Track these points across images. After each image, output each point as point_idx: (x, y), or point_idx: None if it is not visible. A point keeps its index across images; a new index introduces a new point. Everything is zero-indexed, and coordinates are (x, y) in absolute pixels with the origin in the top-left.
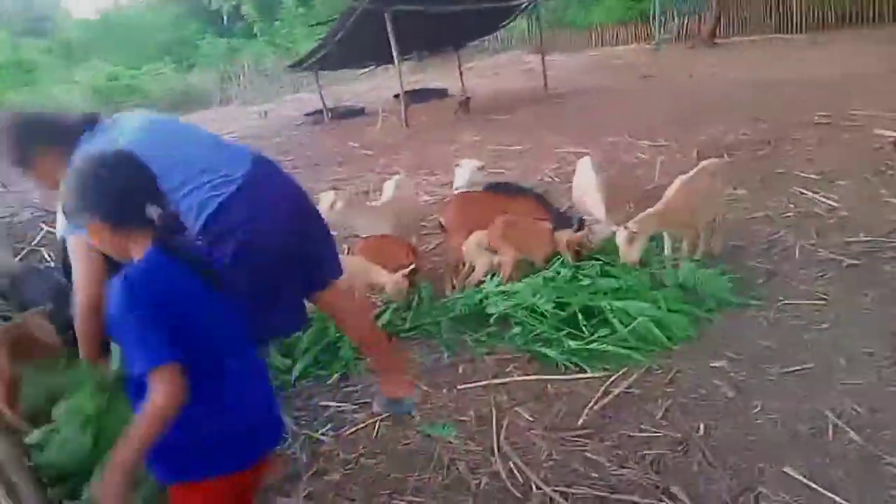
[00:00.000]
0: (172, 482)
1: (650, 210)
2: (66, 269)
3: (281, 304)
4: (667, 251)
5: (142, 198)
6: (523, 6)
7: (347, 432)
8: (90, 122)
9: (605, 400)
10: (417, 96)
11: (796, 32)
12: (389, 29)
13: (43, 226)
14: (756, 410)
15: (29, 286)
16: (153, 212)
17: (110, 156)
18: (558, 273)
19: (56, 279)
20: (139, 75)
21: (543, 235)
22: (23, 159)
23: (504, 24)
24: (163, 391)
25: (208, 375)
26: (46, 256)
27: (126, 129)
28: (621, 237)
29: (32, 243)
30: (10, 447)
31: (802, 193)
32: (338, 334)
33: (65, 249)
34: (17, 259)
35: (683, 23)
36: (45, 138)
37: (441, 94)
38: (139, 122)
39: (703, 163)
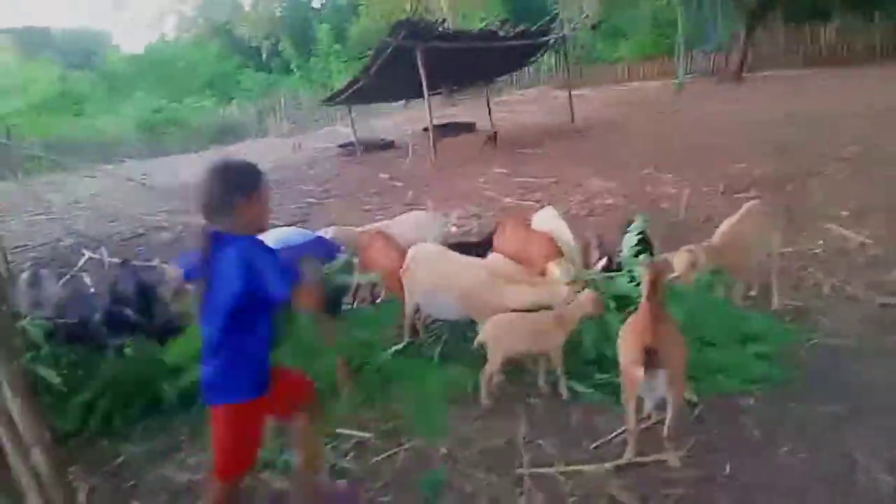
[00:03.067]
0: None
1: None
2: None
3: None
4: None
5: None
6: (550, 42)
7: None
8: None
9: None
10: (446, 130)
11: (824, 66)
12: (420, 65)
13: (85, 252)
14: (784, 451)
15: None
16: None
17: None
18: None
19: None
20: (181, 108)
21: None
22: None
23: (532, 60)
24: None
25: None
26: (88, 282)
27: None
28: (682, 259)
29: (75, 268)
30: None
31: (831, 230)
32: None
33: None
34: (59, 284)
35: (711, 58)
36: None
37: (469, 127)
38: None
39: (747, 205)
